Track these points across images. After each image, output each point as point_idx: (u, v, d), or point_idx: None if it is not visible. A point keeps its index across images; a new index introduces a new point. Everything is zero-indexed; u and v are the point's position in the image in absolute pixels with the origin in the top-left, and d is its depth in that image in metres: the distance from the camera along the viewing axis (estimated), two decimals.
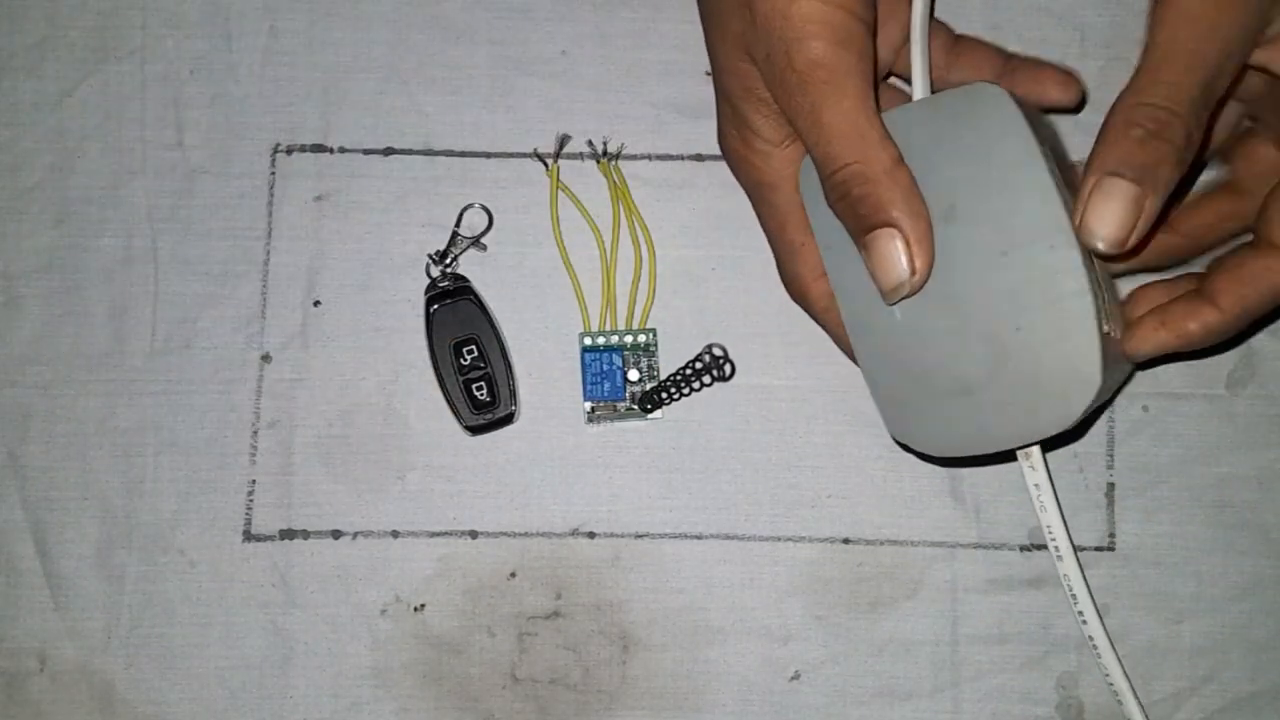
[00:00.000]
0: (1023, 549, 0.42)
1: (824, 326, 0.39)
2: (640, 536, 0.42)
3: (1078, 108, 0.40)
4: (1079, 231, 0.31)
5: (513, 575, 0.42)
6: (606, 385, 0.43)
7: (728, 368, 0.43)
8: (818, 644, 0.42)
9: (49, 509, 0.42)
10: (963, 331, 0.33)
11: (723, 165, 0.43)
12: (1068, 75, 0.38)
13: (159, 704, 0.42)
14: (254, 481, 0.43)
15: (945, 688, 0.42)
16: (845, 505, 0.43)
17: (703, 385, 0.43)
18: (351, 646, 0.42)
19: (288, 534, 0.42)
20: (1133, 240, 0.31)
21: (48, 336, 0.43)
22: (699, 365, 0.42)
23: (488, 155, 0.44)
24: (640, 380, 0.43)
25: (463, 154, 0.44)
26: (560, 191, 0.43)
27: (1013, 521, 0.42)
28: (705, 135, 0.44)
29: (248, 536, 0.42)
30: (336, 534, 0.42)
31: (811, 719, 0.42)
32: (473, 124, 0.44)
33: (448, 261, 0.43)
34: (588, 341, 0.43)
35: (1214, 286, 0.34)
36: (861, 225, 0.33)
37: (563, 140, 0.43)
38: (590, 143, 0.44)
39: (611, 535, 0.42)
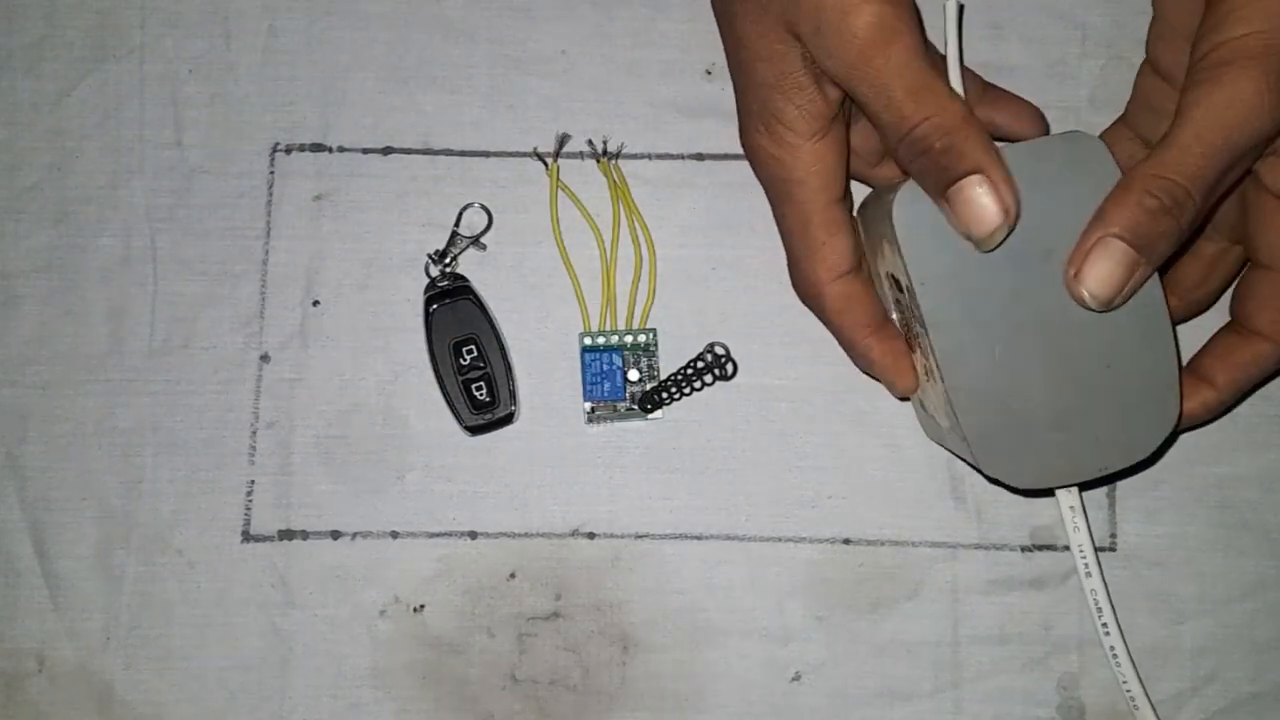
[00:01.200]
0: (1024, 550, 0.42)
1: (835, 329, 0.39)
2: (640, 537, 0.42)
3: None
4: (1070, 281, 0.33)
5: (512, 576, 0.42)
6: (606, 385, 0.42)
7: (729, 367, 0.42)
8: (818, 645, 0.42)
9: (47, 509, 0.42)
10: (1058, 368, 0.34)
11: (723, 165, 0.43)
12: (1036, 111, 0.40)
13: (158, 704, 0.42)
14: (253, 482, 0.43)
15: (946, 688, 0.42)
16: (846, 506, 0.42)
17: (704, 385, 0.43)
18: (350, 647, 0.42)
19: (286, 534, 0.42)
20: (1117, 302, 0.33)
21: (46, 336, 0.43)
22: (700, 365, 0.42)
23: (487, 155, 0.44)
24: (640, 380, 0.43)
25: (462, 153, 0.44)
26: (560, 191, 0.43)
27: (1014, 522, 0.42)
28: (705, 135, 0.44)
29: (246, 537, 0.42)
30: (335, 534, 0.42)
31: None
32: (472, 123, 0.44)
33: (447, 261, 0.43)
34: (587, 341, 0.43)
35: (1208, 369, 0.37)
36: (946, 177, 0.33)
37: (562, 140, 0.43)
38: (590, 142, 0.43)
39: (611, 536, 0.42)
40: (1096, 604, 0.38)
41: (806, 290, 0.39)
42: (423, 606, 0.42)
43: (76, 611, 0.42)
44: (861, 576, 0.42)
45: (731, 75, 0.39)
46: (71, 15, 0.44)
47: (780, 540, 0.42)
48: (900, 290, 0.37)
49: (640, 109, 0.44)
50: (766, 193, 0.39)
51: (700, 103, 0.44)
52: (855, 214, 0.41)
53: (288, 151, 0.44)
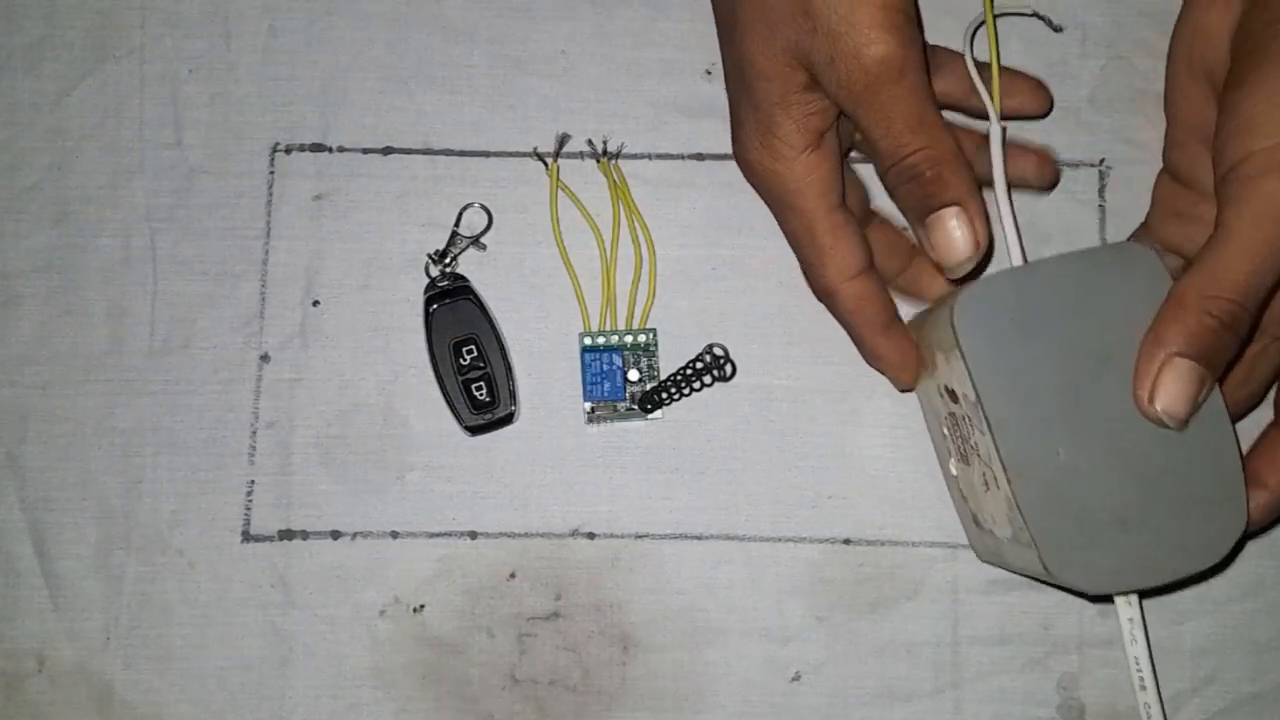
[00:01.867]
0: None
1: (849, 326, 0.40)
2: (640, 537, 0.42)
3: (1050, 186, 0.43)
4: (1145, 404, 0.34)
5: (512, 576, 0.42)
6: (606, 385, 0.42)
7: (729, 368, 0.42)
8: (818, 645, 0.42)
9: (47, 509, 0.42)
10: (1123, 471, 0.35)
11: (723, 165, 0.43)
12: (1045, 157, 0.42)
13: (157, 705, 0.42)
14: (253, 482, 0.43)
15: (946, 689, 0.42)
16: (846, 506, 0.42)
17: (703, 385, 0.43)
18: (350, 647, 0.42)
19: (286, 534, 0.42)
20: (1190, 417, 0.34)
21: (46, 336, 0.43)
22: (700, 365, 0.42)
23: (487, 155, 0.44)
24: (640, 380, 0.43)
25: (462, 153, 0.44)
26: (560, 191, 0.43)
27: None
28: (705, 135, 0.44)
29: (246, 537, 0.42)
30: (335, 534, 0.42)
31: None
32: (472, 123, 0.44)
33: (447, 261, 0.43)
34: (587, 341, 0.43)
35: (1258, 470, 0.37)
36: (930, 204, 0.36)
37: (562, 139, 0.43)
38: (590, 142, 0.43)
39: (611, 536, 0.42)
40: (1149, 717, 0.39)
41: (821, 292, 0.40)
42: (423, 606, 0.42)
43: (76, 611, 0.42)
44: (861, 576, 0.42)
45: (728, 88, 0.40)
46: (71, 15, 0.44)
47: (780, 540, 0.42)
48: (955, 401, 0.37)
49: (640, 109, 0.44)
50: (768, 205, 0.40)
51: (700, 103, 0.44)
52: (908, 325, 0.42)
53: (288, 151, 0.44)
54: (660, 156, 0.44)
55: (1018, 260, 0.38)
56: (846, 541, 0.42)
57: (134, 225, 0.43)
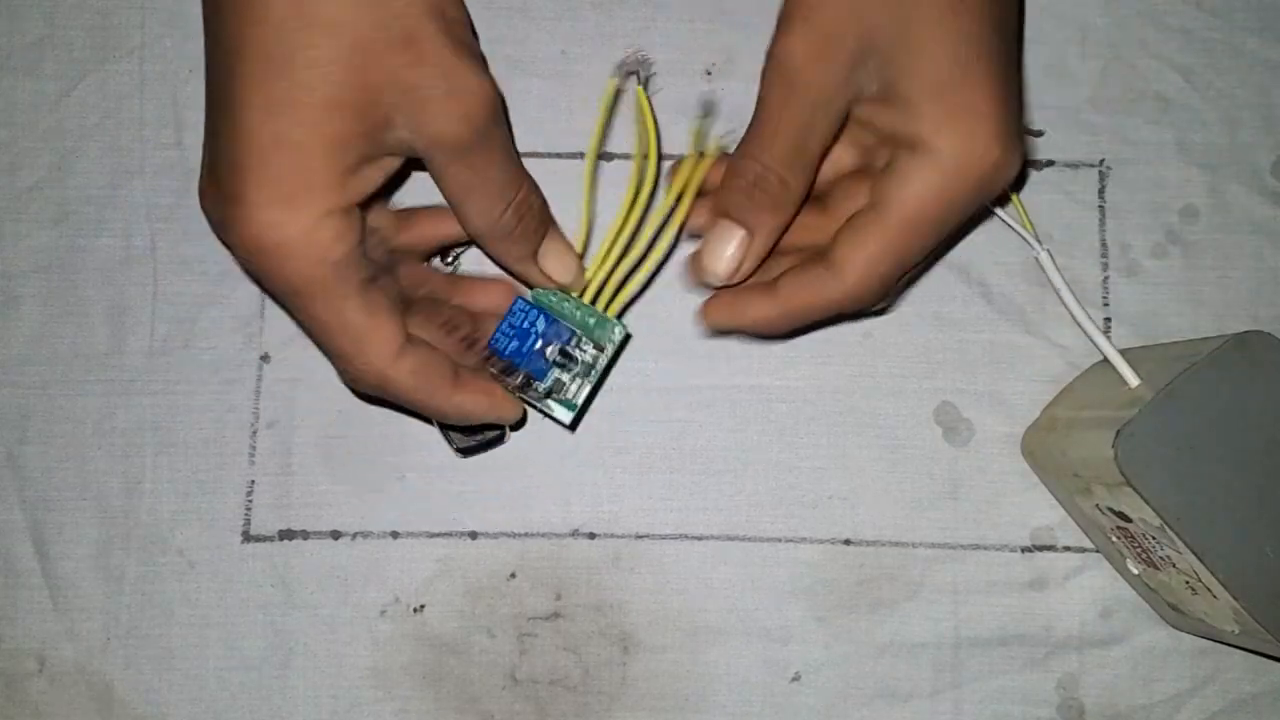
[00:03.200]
0: (1024, 550, 0.42)
1: (418, 405, 0.36)
2: (640, 537, 0.42)
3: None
4: (693, 271, 0.36)
5: (513, 576, 0.42)
6: (513, 344, 0.37)
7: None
8: (818, 645, 0.42)
9: (47, 509, 0.42)
10: None
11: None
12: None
13: (157, 705, 0.42)
14: (253, 482, 0.43)
15: (946, 689, 0.42)
16: (846, 506, 0.42)
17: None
18: (351, 647, 0.42)
19: (287, 534, 0.42)
20: (738, 277, 0.36)
21: (46, 336, 0.43)
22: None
23: None
24: (566, 370, 0.38)
25: None
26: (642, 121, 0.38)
27: (1013, 523, 0.42)
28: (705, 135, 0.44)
29: (247, 537, 0.42)
30: (336, 534, 0.42)
31: None
32: None
33: (448, 260, 0.43)
34: (541, 294, 0.38)
35: (778, 289, 0.37)
36: (542, 235, 0.37)
37: (640, 68, 0.37)
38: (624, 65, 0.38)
39: (611, 536, 0.42)
40: None
41: (370, 383, 0.35)
42: (423, 606, 0.42)
43: (76, 612, 0.42)
44: (861, 577, 0.42)
45: (216, 135, 0.32)
46: (71, 15, 0.44)
47: (780, 541, 0.42)
48: (1127, 520, 0.38)
49: None
50: (270, 290, 0.34)
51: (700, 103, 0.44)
52: (1022, 452, 0.42)
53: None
54: (660, 156, 0.44)
55: (1100, 341, 0.40)
56: (847, 542, 0.42)
57: (134, 225, 0.43)
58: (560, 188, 0.42)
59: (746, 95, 0.43)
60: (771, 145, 0.35)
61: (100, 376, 0.43)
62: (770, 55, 0.34)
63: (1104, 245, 0.44)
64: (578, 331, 0.38)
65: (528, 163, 0.43)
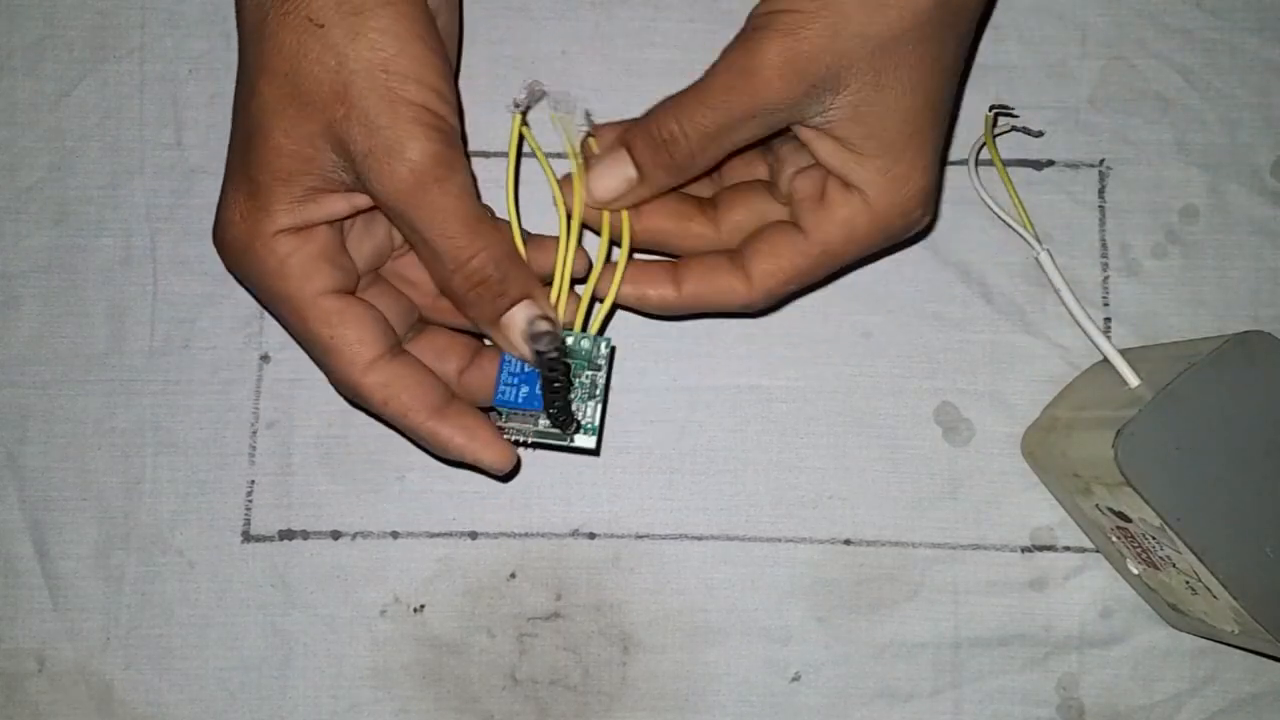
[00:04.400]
0: (1024, 550, 0.42)
1: (392, 422, 0.36)
2: (640, 537, 0.42)
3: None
4: (573, 184, 0.37)
5: (513, 576, 0.42)
6: (523, 390, 0.37)
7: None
8: (818, 645, 0.42)
9: (47, 509, 0.42)
10: None
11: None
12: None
13: (157, 705, 0.42)
14: (253, 482, 0.43)
15: (946, 689, 0.42)
16: (846, 506, 0.42)
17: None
18: (351, 647, 0.42)
19: (287, 534, 0.42)
20: (610, 207, 0.37)
21: (46, 336, 0.43)
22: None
23: (487, 155, 0.44)
24: (571, 391, 0.37)
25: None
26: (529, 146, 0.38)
27: (1013, 523, 0.42)
28: None
29: (247, 537, 0.42)
30: (336, 534, 0.42)
31: None
32: (472, 124, 0.44)
33: None
34: None
35: (685, 279, 0.38)
36: (499, 307, 0.35)
37: (534, 93, 0.38)
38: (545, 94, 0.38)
39: (611, 536, 0.42)
40: None
41: (347, 393, 0.36)
42: (423, 606, 0.42)
43: (76, 611, 0.42)
44: (861, 577, 0.42)
45: (229, 159, 0.36)
46: (71, 15, 0.44)
47: (780, 540, 0.42)
48: (1127, 520, 0.38)
49: (640, 109, 0.44)
50: (260, 300, 0.37)
51: None
52: (1023, 453, 0.42)
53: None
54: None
55: (1100, 341, 0.39)
56: (847, 542, 0.42)
57: (134, 225, 0.43)
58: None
59: None
60: (700, 118, 0.34)
61: (100, 376, 0.43)
62: (740, 46, 0.34)
63: (1104, 245, 0.44)
64: (573, 363, 0.37)
65: (528, 162, 0.43)
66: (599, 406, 0.38)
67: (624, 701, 0.42)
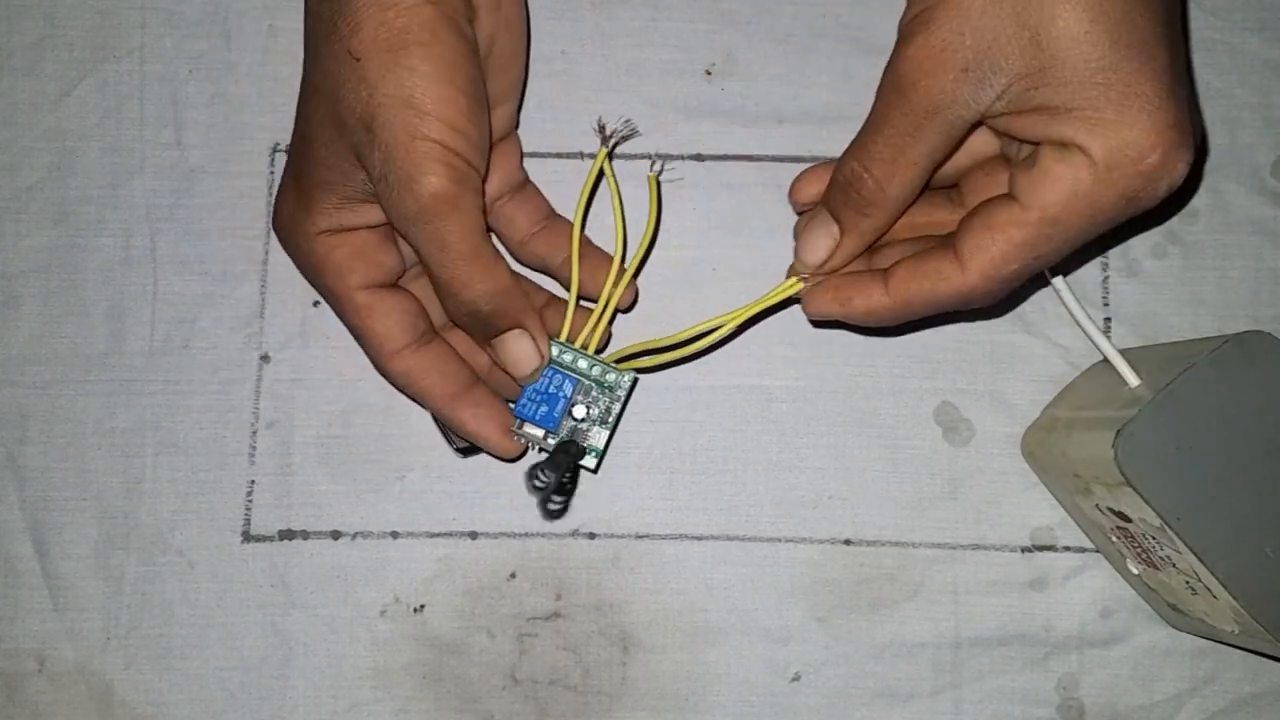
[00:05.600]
0: (1024, 550, 0.42)
1: (414, 399, 0.39)
2: (640, 537, 0.42)
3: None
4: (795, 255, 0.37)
5: (513, 576, 0.42)
6: (542, 409, 0.39)
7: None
8: (818, 645, 0.42)
9: (47, 509, 0.42)
10: None
11: (723, 165, 0.43)
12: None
13: (158, 705, 0.42)
14: (253, 482, 0.43)
15: (946, 689, 0.42)
16: (846, 506, 0.42)
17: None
18: (351, 647, 0.42)
19: (287, 534, 0.42)
20: (827, 268, 0.36)
21: (46, 336, 0.43)
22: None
23: None
24: (586, 421, 0.39)
25: None
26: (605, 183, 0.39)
27: (1014, 523, 0.42)
28: (705, 135, 0.44)
29: (247, 537, 0.42)
30: (336, 534, 0.42)
31: None
32: None
33: None
34: (555, 351, 0.39)
35: (892, 276, 0.36)
36: (490, 333, 0.37)
37: (622, 133, 0.39)
38: (602, 128, 0.39)
39: (612, 536, 0.42)
40: None
41: (380, 373, 0.39)
42: (423, 606, 0.42)
43: (76, 611, 0.42)
44: (861, 577, 0.42)
45: (290, 150, 0.38)
46: (71, 15, 0.44)
47: (780, 540, 0.42)
48: (1127, 520, 0.38)
49: (640, 109, 0.44)
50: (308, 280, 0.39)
51: (700, 103, 0.44)
52: (1022, 453, 0.42)
53: (288, 152, 0.44)
54: (660, 157, 0.44)
55: (1100, 341, 0.39)
56: (847, 542, 0.42)
57: (134, 225, 0.43)
58: (559, 187, 0.42)
59: (746, 95, 0.44)
60: (870, 148, 0.34)
61: (100, 376, 0.43)
62: (888, 64, 0.33)
63: (1104, 245, 0.44)
64: (593, 387, 0.39)
65: (528, 162, 0.43)
66: (608, 434, 0.39)
67: (624, 701, 0.42)
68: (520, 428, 0.39)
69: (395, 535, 0.42)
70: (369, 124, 0.34)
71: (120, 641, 0.42)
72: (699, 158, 0.44)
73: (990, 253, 0.33)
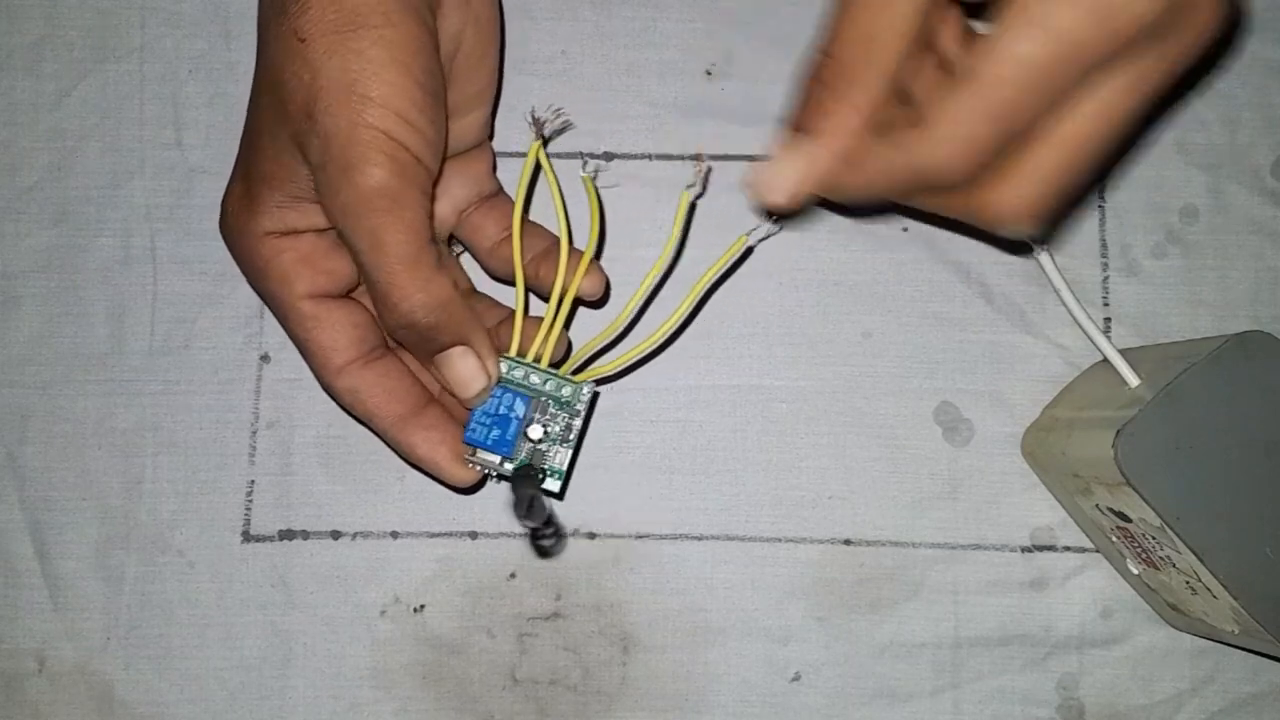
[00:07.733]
0: (1024, 550, 0.42)
1: (362, 420, 0.36)
2: (640, 537, 0.42)
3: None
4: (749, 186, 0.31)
5: (513, 576, 0.42)
6: (494, 433, 0.35)
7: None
8: (818, 645, 0.42)
9: (47, 509, 0.42)
10: None
11: (723, 166, 0.43)
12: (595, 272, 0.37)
13: (158, 705, 0.42)
14: (253, 482, 0.43)
15: (946, 689, 0.42)
16: (846, 506, 0.42)
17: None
18: (351, 647, 0.42)
19: (287, 534, 0.42)
20: (796, 198, 0.31)
21: (46, 336, 0.43)
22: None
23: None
24: (545, 441, 0.36)
25: None
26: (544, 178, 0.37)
27: (1014, 523, 0.42)
28: (705, 135, 0.44)
29: (247, 537, 0.42)
30: (336, 534, 0.42)
31: None
32: None
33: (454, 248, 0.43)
34: (504, 368, 0.36)
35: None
36: (432, 348, 0.34)
37: (556, 124, 0.37)
38: (583, 155, 0.40)
39: (612, 535, 0.42)
40: None
41: (323, 385, 0.36)
42: (423, 606, 0.42)
43: (76, 612, 0.42)
44: (861, 577, 0.42)
45: (240, 145, 0.36)
46: (71, 15, 0.44)
47: (780, 540, 0.42)
48: (1127, 520, 0.38)
49: (640, 109, 0.44)
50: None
51: (700, 103, 0.44)
52: (1022, 453, 0.42)
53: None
54: (660, 157, 0.44)
55: (1100, 341, 0.39)
56: (847, 542, 0.42)
57: (134, 225, 0.43)
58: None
59: (747, 95, 0.44)
60: (838, 34, 0.29)
61: (100, 376, 0.43)
62: None
63: (1104, 245, 0.44)
64: (550, 404, 0.36)
65: (524, 164, 0.43)
66: (570, 452, 0.36)
67: (624, 701, 0.42)
68: (474, 454, 0.36)
69: (395, 535, 0.42)
70: (310, 109, 0.31)
71: (120, 641, 0.42)
72: (698, 158, 0.44)
73: (954, 104, 0.27)
